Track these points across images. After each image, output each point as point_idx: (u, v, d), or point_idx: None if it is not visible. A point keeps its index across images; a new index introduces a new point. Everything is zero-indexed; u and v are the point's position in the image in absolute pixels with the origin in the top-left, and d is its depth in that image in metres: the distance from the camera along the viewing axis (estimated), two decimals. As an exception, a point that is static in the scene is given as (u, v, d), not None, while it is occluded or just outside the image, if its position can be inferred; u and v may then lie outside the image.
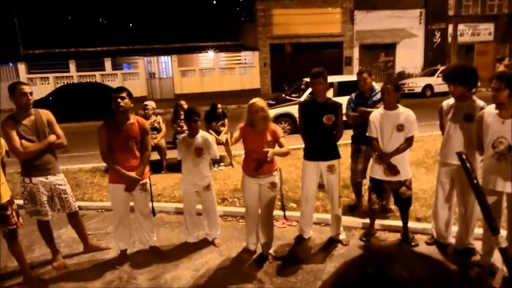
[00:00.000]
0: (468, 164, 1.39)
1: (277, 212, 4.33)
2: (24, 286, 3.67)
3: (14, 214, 3.56)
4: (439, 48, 22.14)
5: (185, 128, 5.53)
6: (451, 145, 3.75)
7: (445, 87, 4.11)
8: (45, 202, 3.83)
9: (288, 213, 4.86)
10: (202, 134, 4.19)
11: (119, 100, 3.76)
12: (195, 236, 4.38)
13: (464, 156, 1.41)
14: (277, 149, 3.73)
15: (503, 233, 3.18)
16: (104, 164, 6.75)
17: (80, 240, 4.30)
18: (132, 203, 4.09)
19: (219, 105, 7.55)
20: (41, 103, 13.23)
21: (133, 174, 3.85)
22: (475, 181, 1.33)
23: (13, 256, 3.74)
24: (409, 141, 3.95)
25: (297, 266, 3.84)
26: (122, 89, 3.90)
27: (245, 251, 4.14)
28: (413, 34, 21.69)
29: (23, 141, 3.67)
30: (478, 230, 3.84)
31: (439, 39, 22.18)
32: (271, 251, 4.02)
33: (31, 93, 3.75)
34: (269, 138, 3.74)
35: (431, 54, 22.11)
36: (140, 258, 4.13)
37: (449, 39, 20.08)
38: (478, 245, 3.76)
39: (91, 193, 6.06)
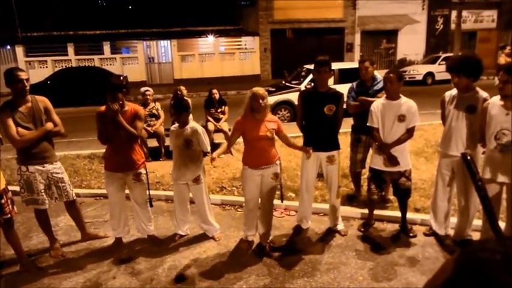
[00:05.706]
0: (473, 165, 1.35)
1: (275, 202, 4.30)
2: (21, 274, 3.66)
3: (9, 203, 3.53)
4: (441, 35, 21.90)
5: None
6: (453, 136, 3.71)
7: (446, 75, 4.06)
8: (42, 191, 3.79)
9: (286, 202, 4.85)
10: (192, 125, 4.07)
11: (115, 100, 3.74)
12: (185, 230, 4.29)
13: (469, 158, 1.37)
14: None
15: (501, 224, 3.17)
16: (102, 150, 6.71)
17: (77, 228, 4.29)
18: (128, 191, 4.07)
19: (215, 91, 7.36)
20: (39, 87, 13.13)
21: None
22: (480, 183, 1.29)
23: (9, 245, 3.73)
24: (410, 132, 3.90)
25: (295, 256, 3.83)
26: (118, 85, 3.87)
27: (243, 241, 4.12)
28: (416, 20, 21.42)
29: (20, 129, 3.61)
30: (477, 222, 3.83)
31: (442, 25, 21.92)
32: (269, 241, 4.01)
33: (27, 80, 3.68)
34: (270, 126, 3.73)
35: (433, 41, 21.88)
36: (138, 247, 4.13)
37: (452, 26, 19.83)
38: (476, 236, 3.76)
39: (89, 180, 6.04)
